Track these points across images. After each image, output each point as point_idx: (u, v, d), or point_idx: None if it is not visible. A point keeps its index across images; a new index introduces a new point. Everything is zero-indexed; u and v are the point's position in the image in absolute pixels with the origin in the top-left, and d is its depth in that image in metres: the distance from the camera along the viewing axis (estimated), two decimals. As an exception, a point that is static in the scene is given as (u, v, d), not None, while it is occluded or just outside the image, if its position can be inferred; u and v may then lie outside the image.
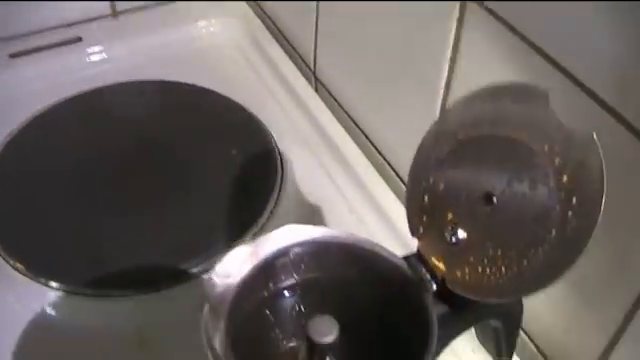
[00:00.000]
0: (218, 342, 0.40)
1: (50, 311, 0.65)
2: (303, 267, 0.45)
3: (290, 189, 0.75)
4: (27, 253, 0.67)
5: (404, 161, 0.77)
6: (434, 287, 0.42)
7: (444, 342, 0.44)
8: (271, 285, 0.44)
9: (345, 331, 0.43)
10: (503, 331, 0.49)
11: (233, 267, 0.42)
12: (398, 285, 0.43)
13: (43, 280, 0.65)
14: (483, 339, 0.52)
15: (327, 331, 0.41)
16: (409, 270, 0.43)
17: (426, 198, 0.43)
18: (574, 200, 0.38)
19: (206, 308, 0.40)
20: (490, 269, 0.40)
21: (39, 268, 0.66)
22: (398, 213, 0.72)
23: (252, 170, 0.74)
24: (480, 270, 0.41)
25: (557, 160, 0.39)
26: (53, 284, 0.65)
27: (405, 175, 0.74)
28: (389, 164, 0.79)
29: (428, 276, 0.42)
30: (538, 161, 0.39)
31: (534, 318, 0.63)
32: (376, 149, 0.81)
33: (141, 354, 0.60)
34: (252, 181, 0.74)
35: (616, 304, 0.53)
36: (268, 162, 0.75)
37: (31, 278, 0.65)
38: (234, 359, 0.39)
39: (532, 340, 0.64)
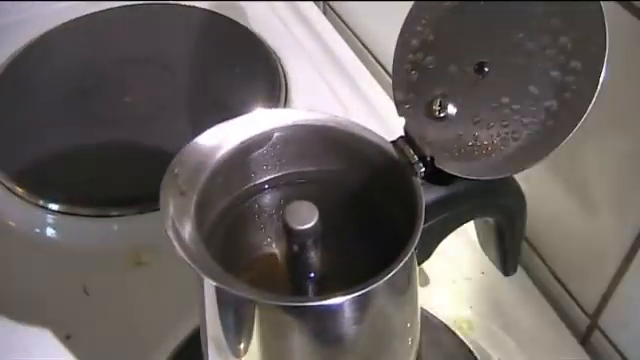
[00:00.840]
0: (187, 231, 0.34)
1: (50, 233, 0.63)
2: (284, 154, 0.40)
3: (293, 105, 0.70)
4: (25, 175, 0.64)
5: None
6: (422, 169, 0.36)
7: (437, 232, 0.39)
8: (247, 174, 0.39)
9: (330, 222, 0.38)
10: (506, 233, 0.43)
11: (206, 147, 0.37)
12: (386, 170, 0.38)
13: (42, 202, 0.62)
14: (487, 247, 0.47)
15: (305, 217, 0.36)
16: (397, 153, 0.37)
17: (413, 73, 0.37)
18: (574, 64, 0.32)
19: (168, 178, 0.34)
20: (482, 143, 0.35)
21: (38, 190, 0.63)
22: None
23: (255, 89, 0.69)
24: (471, 144, 0.35)
25: (556, 21, 0.33)
26: (52, 206, 0.62)
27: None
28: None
29: (416, 157, 0.36)
30: (534, 24, 0.33)
31: (547, 240, 0.58)
32: (386, 72, 0.76)
33: (139, 274, 0.58)
34: (255, 100, 0.68)
35: (630, 222, 0.48)
36: (272, 81, 0.70)
37: (30, 201, 0.62)
38: (208, 255, 0.34)
39: (545, 262, 0.58)
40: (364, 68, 0.76)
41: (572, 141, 0.33)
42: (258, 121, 0.39)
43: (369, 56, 0.78)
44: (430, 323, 0.57)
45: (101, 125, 0.67)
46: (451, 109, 0.36)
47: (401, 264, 0.34)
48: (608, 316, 0.56)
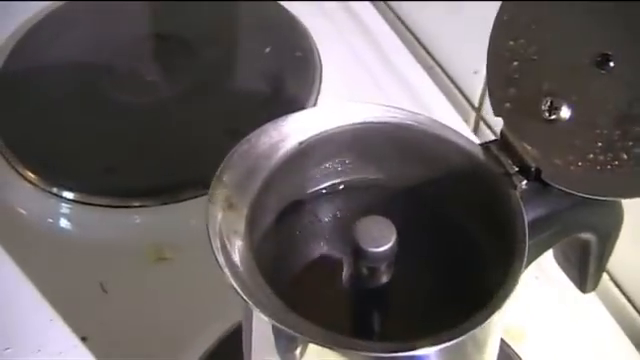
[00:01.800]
0: (237, 253, 0.26)
1: (64, 224, 0.57)
2: (349, 157, 0.31)
3: (329, 93, 0.62)
4: (38, 162, 0.57)
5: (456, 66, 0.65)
6: (524, 182, 0.28)
7: (534, 256, 0.30)
8: (306, 180, 0.31)
9: (402, 242, 0.29)
10: (594, 251, 0.35)
11: (258, 150, 0.29)
12: (473, 181, 0.29)
13: (56, 190, 0.56)
14: (565, 262, 0.39)
15: (381, 236, 0.28)
16: (488, 160, 0.29)
17: (514, 64, 0.29)
18: None
19: (216, 188, 0.26)
20: (605, 156, 0.27)
21: (52, 178, 0.56)
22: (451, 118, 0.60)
23: (287, 71, 0.61)
24: (591, 157, 0.27)
25: None
26: (67, 194, 0.56)
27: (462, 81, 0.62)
28: (441, 67, 0.66)
29: (515, 168, 0.28)
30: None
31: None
32: (428, 53, 0.68)
33: (161, 271, 0.52)
34: (287, 82, 0.60)
35: None
36: (305, 62, 0.62)
37: (43, 189, 0.56)
38: (265, 284, 0.26)
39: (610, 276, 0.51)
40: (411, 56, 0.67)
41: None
42: (320, 118, 0.31)
43: (415, 43, 0.69)
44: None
45: (121, 107, 0.58)
46: (565, 110, 0.28)
47: (498, 311, 0.26)
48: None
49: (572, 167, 0.28)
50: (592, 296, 0.52)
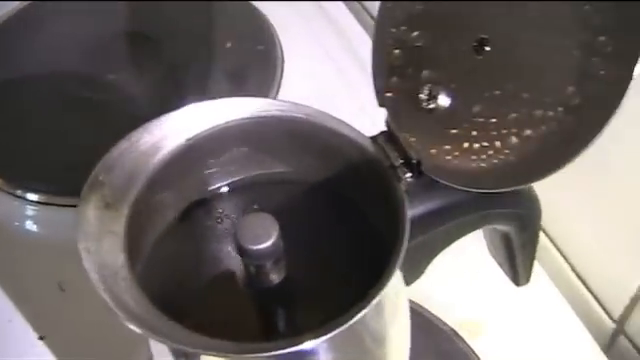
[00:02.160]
0: (114, 256, 0.25)
1: (28, 225, 0.56)
2: (243, 153, 0.30)
3: (291, 87, 0.60)
4: (1, 164, 0.56)
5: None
6: (408, 174, 0.26)
7: (430, 249, 0.29)
8: (198, 179, 0.30)
9: (301, 233, 0.30)
10: (516, 243, 0.34)
11: (142, 147, 0.27)
12: (366, 173, 0.28)
13: (20, 192, 0.55)
14: (496, 254, 0.37)
15: (262, 233, 0.26)
16: (377, 152, 0.27)
17: (396, 52, 0.27)
18: (602, 42, 0.22)
19: (90, 187, 0.25)
20: (481, 145, 0.25)
21: (16, 180, 0.55)
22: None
23: (249, 65, 0.59)
24: (467, 146, 0.25)
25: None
26: (31, 196, 0.55)
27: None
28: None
29: (400, 160, 0.26)
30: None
31: (569, 236, 0.50)
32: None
33: None
34: (249, 77, 0.59)
35: None
36: (267, 56, 0.60)
37: (7, 191, 0.55)
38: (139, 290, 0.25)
39: (566, 259, 0.49)
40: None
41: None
42: (208, 113, 0.29)
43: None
44: (433, 327, 0.48)
45: (83, 107, 0.58)
46: (443, 99, 0.26)
47: (375, 300, 0.24)
48: (635, 321, 0.46)
49: (448, 157, 0.26)
50: (551, 288, 0.51)
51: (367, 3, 0.68)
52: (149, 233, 0.29)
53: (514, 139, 0.24)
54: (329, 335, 0.24)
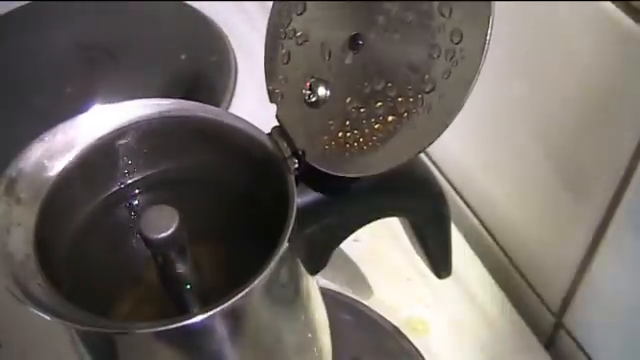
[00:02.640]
0: (20, 249, 0.28)
1: None
2: (148, 150, 0.33)
3: (244, 96, 0.62)
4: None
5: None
6: (296, 164, 0.28)
7: (327, 239, 0.31)
8: (108, 177, 0.32)
9: (207, 225, 0.32)
10: (425, 234, 0.36)
11: (53, 148, 0.30)
12: (263, 166, 0.30)
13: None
14: (415, 247, 0.39)
15: (163, 224, 0.28)
16: (273, 146, 0.30)
17: (284, 51, 0.29)
18: (457, 39, 0.24)
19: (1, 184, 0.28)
20: (352, 133, 0.27)
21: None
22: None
23: (203, 76, 0.61)
24: (340, 135, 0.27)
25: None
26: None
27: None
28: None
29: (289, 151, 0.29)
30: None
31: (507, 229, 0.51)
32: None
33: None
34: (202, 88, 0.61)
35: (592, 209, 0.42)
36: (220, 67, 0.62)
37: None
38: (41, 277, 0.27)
39: (505, 253, 0.50)
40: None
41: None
42: (118, 114, 0.31)
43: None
44: (378, 326, 0.49)
45: (39, 120, 0.59)
46: (322, 92, 0.28)
47: (257, 281, 0.26)
48: (573, 314, 0.47)
49: (327, 147, 0.28)
50: (492, 284, 0.52)
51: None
52: (64, 228, 0.31)
53: (380, 125, 0.26)
54: (213, 311, 0.26)
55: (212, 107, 0.32)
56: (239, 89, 0.62)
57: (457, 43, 0.25)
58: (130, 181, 0.33)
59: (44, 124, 0.59)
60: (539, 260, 0.50)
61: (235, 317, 0.29)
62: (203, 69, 0.62)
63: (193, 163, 0.33)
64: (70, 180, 0.31)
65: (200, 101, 0.59)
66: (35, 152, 0.31)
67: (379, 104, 0.26)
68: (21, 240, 0.29)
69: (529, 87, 0.43)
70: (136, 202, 0.33)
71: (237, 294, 0.27)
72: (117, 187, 0.33)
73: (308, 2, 0.29)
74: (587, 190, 0.42)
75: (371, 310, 0.51)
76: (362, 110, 0.27)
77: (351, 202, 0.31)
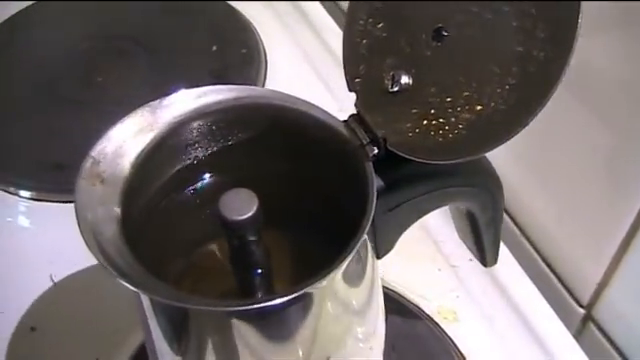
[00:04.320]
0: (109, 227, 0.29)
1: (22, 221, 0.59)
2: (223, 135, 0.34)
3: (275, 88, 0.62)
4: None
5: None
6: (374, 151, 0.30)
7: (397, 223, 0.33)
8: (180, 161, 0.33)
9: (278, 211, 0.32)
10: (480, 221, 0.37)
11: (132, 130, 0.31)
12: (338, 154, 0.31)
13: (13, 189, 0.58)
14: (463, 236, 0.41)
15: (243, 206, 0.30)
16: (349, 134, 0.31)
17: (364, 42, 0.31)
18: (540, 28, 0.26)
19: (86, 165, 0.29)
20: (437, 121, 0.29)
21: (8, 177, 0.59)
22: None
23: (233, 68, 0.63)
24: (425, 123, 0.29)
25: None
26: (24, 193, 0.58)
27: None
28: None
29: (368, 139, 0.30)
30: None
31: (537, 224, 0.53)
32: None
33: None
34: (232, 80, 0.62)
35: (627, 202, 0.43)
36: (251, 59, 0.64)
37: (1, 189, 0.58)
38: (131, 255, 0.28)
39: (535, 246, 0.52)
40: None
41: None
42: (191, 100, 0.33)
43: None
44: (411, 314, 0.51)
45: (71, 108, 0.61)
46: (405, 81, 0.30)
47: (344, 263, 0.28)
48: (603, 307, 0.49)
49: (411, 134, 0.29)
50: (523, 276, 0.54)
51: (344, 4, 0.72)
52: (138, 206, 0.33)
53: (466, 115, 0.28)
54: (299, 292, 0.28)
55: (287, 94, 0.33)
56: (269, 81, 0.64)
57: (544, 43, 0.26)
58: (202, 163, 0.34)
59: (76, 113, 0.60)
60: (569, 253, 0.52)
61: (312, 300, 0.30)
62: (233, 61, 0.63)
63: (267, 148, 0.34)
64: (149, 161, 0.33)
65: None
66: (116, 133, 0.32)
67: (465, 94, 0.28)
68: (108, 219, 0.30)
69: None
70: (207, 184, 0.35)
71: (321, 277, 0.28)
72: (187, 167, 0.34)
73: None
74: (623, 183, 0.44)
75: (404, 298, 0.53)
76: (448, 99, 0.28)
77: (421, 186, 0.32)
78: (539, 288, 0.53)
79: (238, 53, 0.63)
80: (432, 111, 0.29)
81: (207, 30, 0.66)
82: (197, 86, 0.34)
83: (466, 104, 0.28)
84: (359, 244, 0.28)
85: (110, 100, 0.61)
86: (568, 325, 0.52)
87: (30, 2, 0.71)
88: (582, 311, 0.51)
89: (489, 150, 0.27)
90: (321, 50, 0.68)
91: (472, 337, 0.51)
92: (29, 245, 0.56)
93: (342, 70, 0.64)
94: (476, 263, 0.52)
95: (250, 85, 0.62)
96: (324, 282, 0.28)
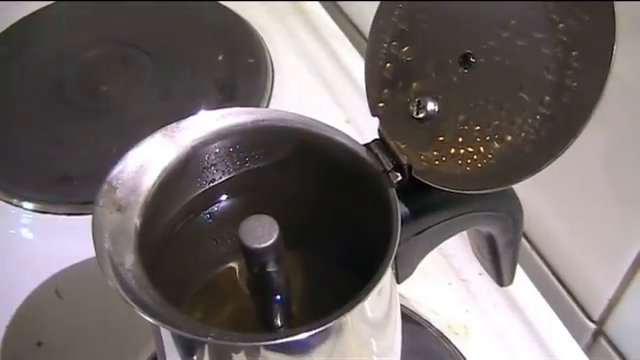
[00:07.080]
0: (126, 257, 0.28)
1: (25, 233, 0.58)
2: (242, 158, 0.33)
3: (281, 98, 0.63)
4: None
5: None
6: (398, 178, 0.29)
7: (419, 248, 0.32)
8: (198, 184, 0.33)
9: (297, 236, 0.32)
10: (499, 243, 0.37)
11: (150, 154, 0.30)
12: (359, 178, 0.31)
13: (16, 201, 0.57)
14: (481, 256, 0.40)
15: (263, 233, 0.29)
16: (371, 159, 0.30)
17: (388, 66, 0.30)
18: (574, 57, 0.25)
19: (103, 192, 0.28)
20: (466, 150, 0.28)
21: (12, 189, 0.58)
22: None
23: (240, 78, 0.62)
24: (453, 152, 0.28)
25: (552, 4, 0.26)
26: (27, 205, 0.57)
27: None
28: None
29: (391, 165, 0.29)
30: (530, 7, 0.26)
31: (549, 239, 0.53)
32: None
33: None
34: (239, 89, 0.61)
35: (637, 224, 0.43)
36: (258, 69, 0.62)
37: (4, 200, 0.57)
38: (151, 286, 0.27)
39: (546, 261, 0.51)
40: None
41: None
42: (210, 122, 0.32)
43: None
44: (422, 328, 0.50)
45: (76, 117, 0.60)
46: (431, 108, 0.29)
47: (371, 294, 0.27)
48: (615, 322, 0.49)
49: (437, 162, 0.29)
50: (533, 290, 0.53)
51: (350, 11, 0.71)
52: (155, 234, 0.32)
53: (496, 144, 0.27)
54: (328, 325, 0.27)
55: (307, 117, 0.32)
56: (276, 90, 0.63)
57: (577, 73, 0.25)
58: (220, 187, 0.34)
59: (80, 123, 0.59)
60: (580, 268, 0.51)
61: (335, 329, 0.29)
62: (240, 71, 0.62)
63: (286, 173, 0.33)
64: (168, 186, 0.32)
65: (238, 101, 0.60)
66: (133, 157, 0.31)
67: (495, 122, 0.27)
68: (125, 249, 0.29)
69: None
70: (226, 208, 0.34)
71: (348, 309, 0.27)
72: (206, 191, 0.33)
73: (412, 18, 0.29)
74: (636, 198, 0.44)
75: (415, 313, 0.52)
76: (477, 128, 0.28)
77: (446, 213, 0.32)
78: (550, 303, 0.52)
79: (245, 62, 0.62)
80: (460, 139, 0.28)
81: (214, 39, 0.65)
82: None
83: (495, 133, 0.27)
84: (386, 276, 0.28)
85: (116, 110, 0.60)
86: (579, 340, 0.51)
87: (36, 7, 0.69)
88: (593, 326, 0.51)
89: (518, 181, 0.27)
90: (325, 55, 0.67)
91: (483, 352, 0.51)
92: (33, 258, 0.55)
93: (348, 77, 0.64)
94: (487, 277, 0.52)
95: (260, 95, 0.61)
96: (351, 314, 0.27)
